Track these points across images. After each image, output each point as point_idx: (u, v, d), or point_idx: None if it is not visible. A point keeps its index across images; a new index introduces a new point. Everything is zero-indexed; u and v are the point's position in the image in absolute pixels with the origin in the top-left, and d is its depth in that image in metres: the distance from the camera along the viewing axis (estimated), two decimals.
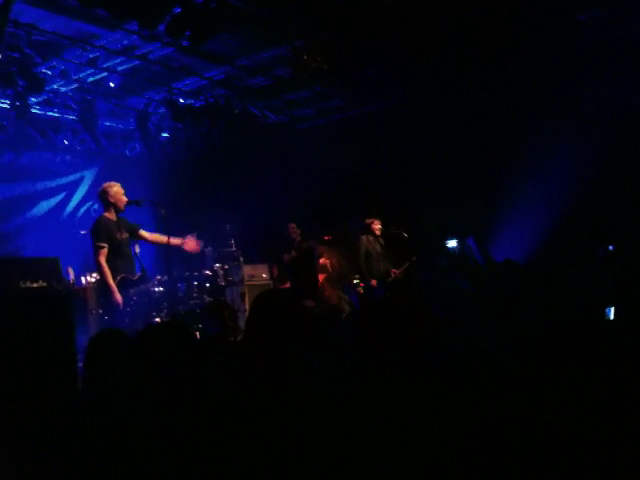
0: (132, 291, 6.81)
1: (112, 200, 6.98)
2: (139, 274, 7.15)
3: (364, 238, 9.36)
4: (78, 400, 3.58)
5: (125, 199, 7.01)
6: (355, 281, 10.90)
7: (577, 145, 8.82)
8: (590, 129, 8.79)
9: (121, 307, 6.59)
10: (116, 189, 7.01)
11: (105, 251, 6.70)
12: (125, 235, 7.00)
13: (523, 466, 1.98)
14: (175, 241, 7.14)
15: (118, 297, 6.56)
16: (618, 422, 2.04)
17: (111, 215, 6.98)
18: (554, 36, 8.25)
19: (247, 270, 10.34)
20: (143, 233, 7.30)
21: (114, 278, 6.67)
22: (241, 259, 10.32)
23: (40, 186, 12.59)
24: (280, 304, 2.39)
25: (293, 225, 11.06)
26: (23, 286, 8.05)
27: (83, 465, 2.17)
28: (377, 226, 9.28)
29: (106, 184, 7.14)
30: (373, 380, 2.08)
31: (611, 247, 7.10)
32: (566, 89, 9.17)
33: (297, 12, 8.07)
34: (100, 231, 6.79)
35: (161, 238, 7.24)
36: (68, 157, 12.78)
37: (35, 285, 8.03)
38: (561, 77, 9.12)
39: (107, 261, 6.72)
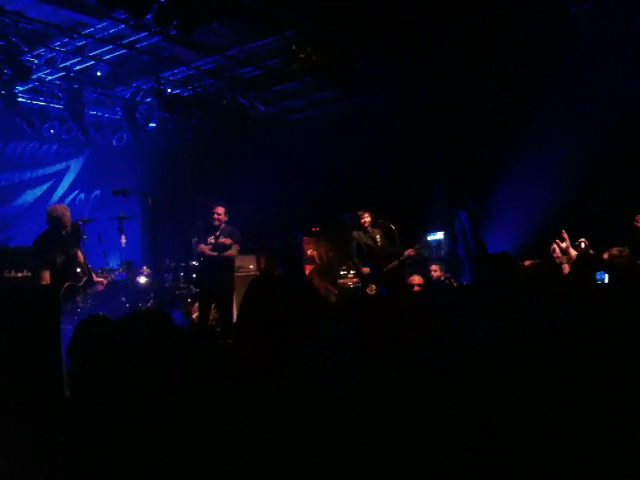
0: (79, 297, 6.80)
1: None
2: (85, 279, 7.10)
3: (355, 233, 9.18)
4: (63, 387, 3.55)
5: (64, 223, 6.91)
6: (342, 272, 10.89)
7: (574, 142, 8.82)
8: (587, 124, 8.80)
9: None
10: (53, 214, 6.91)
11: (46, 275, 6.64)
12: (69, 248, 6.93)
13: (523, 466, 1.98)
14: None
15: None
16: (618, 421, 2.04)
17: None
18: (547, 30, 8.24)
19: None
20: (78, 253, 7.25)
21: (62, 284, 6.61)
22: None
23: (26, 175, 12.49)
24: (276, 294, 2.35)
25: (220, 210, 8.35)
26: (8, 276, 8.03)
27: (70, 451, 2.14)
28: (365, 219, 9.11)
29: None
30: (373, 380, 2.07)
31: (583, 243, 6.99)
32: (562, 83, 9.18)
33: (288, 2, 8.00)
34: (38, 251, 6.81)
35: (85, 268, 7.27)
36: (55, 146, 12.72)
37: (20, 275, 8.01)
38: (557, 72, 9.13)
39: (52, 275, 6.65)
